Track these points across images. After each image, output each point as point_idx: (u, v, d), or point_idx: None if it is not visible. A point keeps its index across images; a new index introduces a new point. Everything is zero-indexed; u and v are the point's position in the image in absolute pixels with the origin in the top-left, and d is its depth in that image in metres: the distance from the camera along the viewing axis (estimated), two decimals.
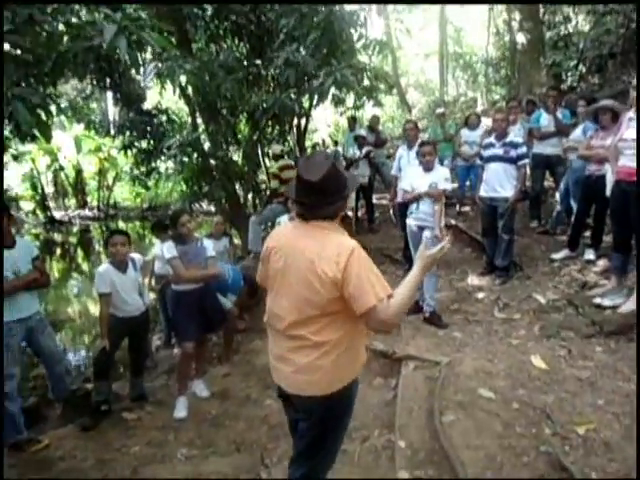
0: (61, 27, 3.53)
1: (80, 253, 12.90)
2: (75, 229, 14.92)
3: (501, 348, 3.59)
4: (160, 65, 4.66)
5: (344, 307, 1.72)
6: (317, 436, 1.88)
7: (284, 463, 2.64)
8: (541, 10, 11.40)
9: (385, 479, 2.49)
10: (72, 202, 16.44)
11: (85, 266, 11.57)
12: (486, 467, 2.35)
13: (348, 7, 5.82)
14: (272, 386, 3.71)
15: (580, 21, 11.54)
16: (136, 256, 3.90)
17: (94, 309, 7.64)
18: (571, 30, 11.38)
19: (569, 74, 10.00)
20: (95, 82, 7.61)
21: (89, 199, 16.62)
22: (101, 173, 15.91)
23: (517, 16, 11.00)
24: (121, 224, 15.44)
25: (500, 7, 14.84)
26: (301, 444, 1.96)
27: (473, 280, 5.12)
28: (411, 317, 4.36)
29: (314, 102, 6.75)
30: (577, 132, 5.20)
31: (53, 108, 3.74)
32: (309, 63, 5.39)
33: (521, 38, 10.91)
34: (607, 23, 8.95)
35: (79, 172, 16.03)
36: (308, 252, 1.73)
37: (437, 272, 4.28)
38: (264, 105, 5.94)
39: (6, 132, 4.52)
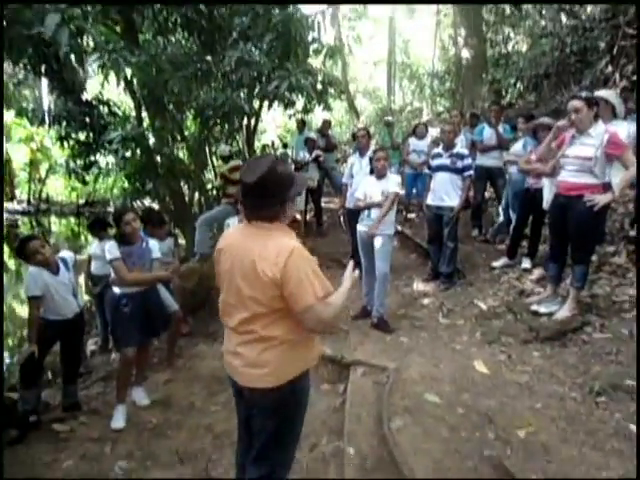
0: None
1: (6, 250, 11.98)
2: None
3: (446, 353, 3.69)
4: (104, 56, 4.40)
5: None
6: (272, 432, 1.89)
7: (230, 474, 2.55)
8: (484, 28, 11.98)
9: None
10: None
11: (12, 264, 10.76)
12: (434, 472, 2.39)
13: (305, 11, 5.79)
14: (217, 392, 3.65)
15: (519, 41, 12.23)
16: (67, 255, 3.66)
17: (20, 310, 7.11)
18: (510, 49, 12.03)
19: (509, 90, 10.54)
20: (30, 68, 7.09)
21: (18, 192, 15.50)
22: (33, 164, 14.91)
23: (462, 32, 11.50)
24: (54, 219, 14.54)
25: (446, 22, 15.44)
26: (258, 442, 1.94)
27: (418, 286, 5.25)
28: (359, 322, 4.40)
29: (265, 104, 6.68)
30: (517, 146, 5.48)
31: None
32: (265, 64, 5.33)
33: (466, 54, 11.43)
34: (543, 45, 9.52)
35: (7, 162, 14.92)
36: (250, 253, 1.77)
37: (389, 279, 4.34)
38: (214, 103, 5.78)
39: None
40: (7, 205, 14.85)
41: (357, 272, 2.01)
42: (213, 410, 3.42)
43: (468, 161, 4.94)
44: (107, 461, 2.93)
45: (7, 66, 10.00)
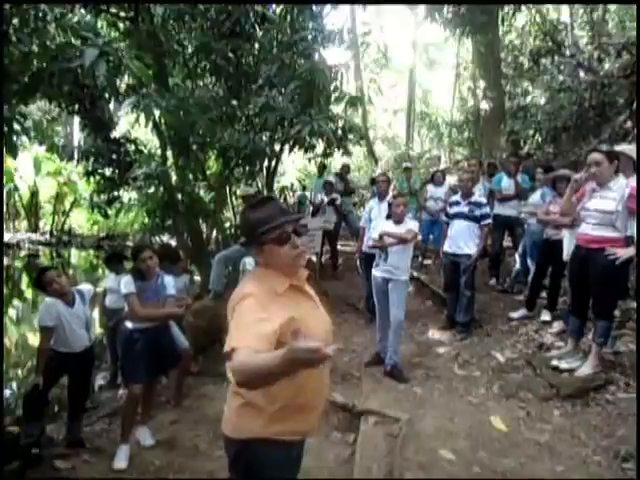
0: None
1: (25, 279, 12.17)
2: (23, 253, 14.14)
3: (461, 407, 3.55)
4: (137, 98, 4.60)
5: None
6: None
7: None
8: (503, 81, 12.27)
9: None
10: (23, 224, 15.68)
11: (29, 293, 10.90)
12: None
13: (329, 61, 6.02)
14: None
15: (537, 95, 12.45)
16: (85, 288, 3.69)
17: (33, 340, 7.13)
18: (529, 102, 12.24)
19: (527, 142, 10.64)
20: (64, 106, 7.44)
21: (42, 223, 15.90)
22: (58, 197, 15.34)
23: (481, 84, 11.78)
24: (74, 252, 14.79)
25: (466, 74, 15.87)
26: None
27: (434, 334, 5.13)
28: (372, 369, 4.29)
29: (287, 147, 6.84)
30: (536, 197, 5.48)
31: (17, 126, 3.60)
32: (288, 109, 5.50)
33: (484, 105, 11.66)
34: (562, 99, 9.68)
35: (35, 194, 15.41)
36: None
37: (403, 326, 4.26)
38: (237, 145, 5.95)
39: None
40: (30, 235, 15.21)
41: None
42: (217, 454, 3.30)
43: (486, 210, 4.93)
44: None
45: (43, 104, 10.55)
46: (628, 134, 7.59)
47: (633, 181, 3.61)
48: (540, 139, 10.45)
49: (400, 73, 21.30)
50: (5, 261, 13.40)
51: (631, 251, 3.34)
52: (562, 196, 4.54)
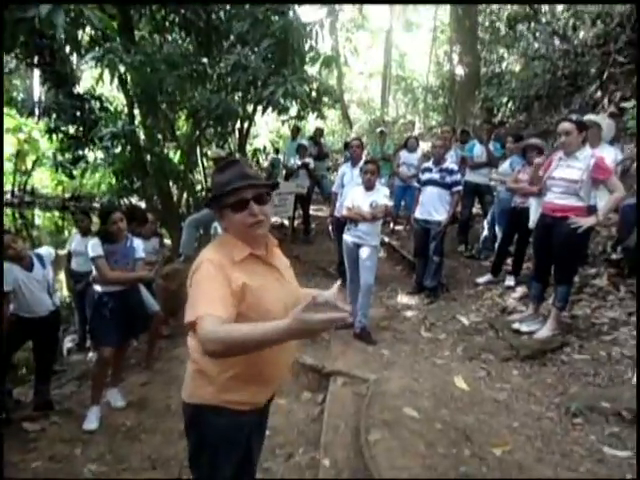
0: None
1: None
2: None
3: (426, 367, 3.69)
4: (101, 52, 4.36)
5: None
6: (188, 446, 1.77)
7: None
8: (479, 47, 12.17)
9: None
10: None
11: None
12: None
13: (304, 19, 5.82)
14: None
15: (512, 62, 12.43)
16: (44, 251, 3.59)
17: None
18: (504, 69, 12.23)
19: (500, 109, 10.70)
20: (22, 57, 7.01)
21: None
22: (19, 155, 14.67)
23: (458, 49, 11.66)
24: (38, 212, 14.30)
25: (443, 38, 15.65)
26: None
27: (402, 298, 5.26)
28: (342, 332, 4.38)
29: (259, 108, 6.67)
30: (505, 165, 5.56)
31: None
32: (261, 69, 5.32)
33: (460, 70, 11.57)
34: (535, 67, 9.70)
35: None
36: None
37: (373, 290, 4.34)
38: (208, 105, 5.76)
39: None
40: None
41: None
42: None
43: (457, 177, 4.98)
44: (77, 463, 2.86)
45: None
46: (597, 104, 7.71)
47: (599, 152, 3.70)
48: (513, 107, 10.52)
49: (376, 35, 20.84)
50: None
51: (592, 220, 3.46)
52: (531, 165, 4.64)
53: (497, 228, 5.68)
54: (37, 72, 8.63)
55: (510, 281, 5.06)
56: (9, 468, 2.79)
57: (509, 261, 5.28)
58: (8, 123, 13.91)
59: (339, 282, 1.69)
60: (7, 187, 15.03)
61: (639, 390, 2.86)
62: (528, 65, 10.32)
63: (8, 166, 15.14)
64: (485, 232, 6.12)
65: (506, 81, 10.83)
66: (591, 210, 3.59)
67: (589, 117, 4.31)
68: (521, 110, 10.24)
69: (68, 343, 5.47)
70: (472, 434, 2.78)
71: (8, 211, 13.81)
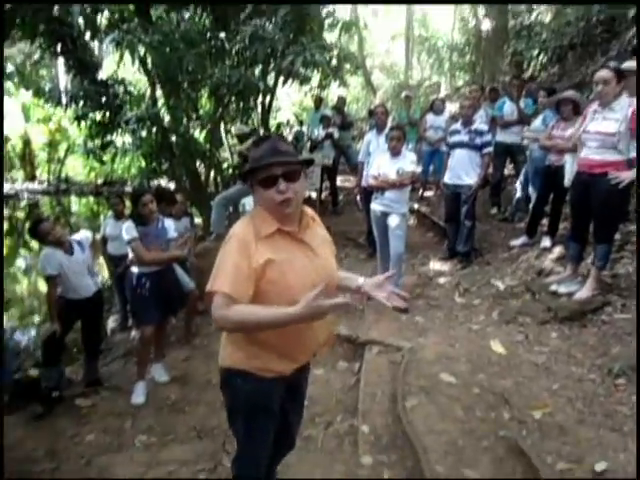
0: None
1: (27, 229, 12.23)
2: (23, 204, 14.12)
3: (462, 333, 3.67)
4: (120, 34, 4.37)
5: None
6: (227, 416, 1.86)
7: None
8: None
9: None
10: (19, 175, 15.52)
11: (34, 243, 11.00)
12: (447, 452, 2.40)
13: None
14: None
15: (543, 11, 11.74)
16: (82, 236, 3.73)
17: (44, 287, 7.29)
18: (533, 20, 11.58)
19: (531, 63, 10.18)
20: (45, 46, 7.10)
21: (38, 172, 15.73)
22: (51, 145, 15.07)
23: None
24: (74, 199, 14.76)
25: None
26: None
27: (435, 265, 5.20)
28: (374, 301, 4.38)
29: (280, 80, 6.57)
30: (537, 122, 5.32)
31: None
32: (279, 39, 5.22)
33: (486, 25, 11.05)
34: (568, 14, 9.14)
35: (27, 143, 15.11)
36: None
37: (404, 257, 4.30)
38: (228, 81, 5.72)
39: None
40: (28, 185, 15.12)
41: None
42: None
43: (487, 137, 4.81)
44: (127, 435, 3.02)
45: (24, 45, 10.06)
46: (637, 51, 7.23)
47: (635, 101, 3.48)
48: (545, 59, 9.99)
49: None
50: (6, 212, 13.42)
51: (633, 174, 3.29)
52: (566, 120, 4.43)
53: (531, 188, 5.48)
54: (61, 61, 8.73)
55: (546, 242, 4.91)
56: (65, 441, 2.97)
57: (544, 222, 5.12)
58: (39, 114, 14.29)
59: (389, 273, 1.83)
60: (43, 176, 15.54)
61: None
62: (560, 13, 9.73)
63: (42, 156, 15.61)
64: (518, 193, 5.93)
65: (536, 32, 10.24)
66: (631, 163, 3.40)
67: (628, 64, 4.04)
68: (553, 62, 9.71)
69: (111, 324, 5.72)
70: (511, 398, 2.77)
71: (46, 199, 14.33)
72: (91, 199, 14.45)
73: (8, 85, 12.39)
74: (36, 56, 10.18)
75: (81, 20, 2.88)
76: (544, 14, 11.57)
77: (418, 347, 3.43)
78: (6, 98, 13.40)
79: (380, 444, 2.56)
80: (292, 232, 1.65)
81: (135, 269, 3.49)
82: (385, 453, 2.50)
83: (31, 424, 3.19)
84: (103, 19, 5.96)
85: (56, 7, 2.80)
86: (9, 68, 9.99)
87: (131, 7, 6.10)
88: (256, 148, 1.65)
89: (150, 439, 2.98)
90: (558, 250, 4.67)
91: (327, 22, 6.06)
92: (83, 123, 7.44)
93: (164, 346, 4.00)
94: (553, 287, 3.93)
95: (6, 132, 14.52)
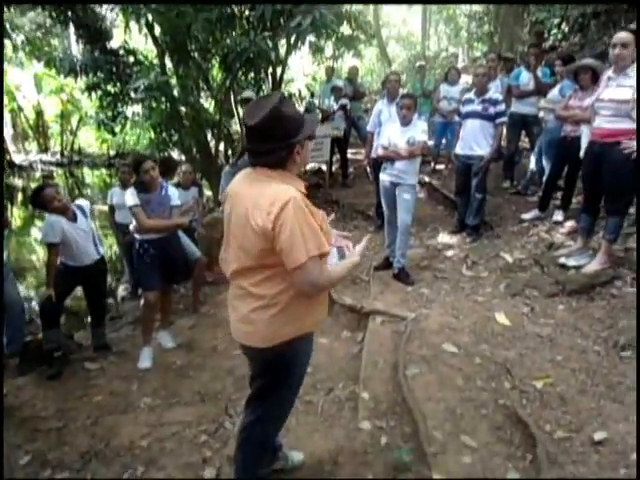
0: None
1: None
2: (37, 174, 14.26)
3: (467, 305, 3.64)
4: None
5: (282, 261, 1.60)
6: (263, 385, 1.86)
7: None
8: None
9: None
10: (33, 146, 15.62)
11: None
12: (446, 419, 2.41)
13: None
14: None
15: None
16: (83, 203, 3.73)
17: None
18: None
19: (552, 32, 9.81)
20: (54, 14, 7.03)
21: (51, 143, 15.82)
22: (64, 116, 15.08)
23: None
24: (86, 171, 14.86)
25: None
26: (253, 388, 1.94)
27: (444, 238, 5.14)
28: (381, 273, 4.38)
29: (291, 47, 6.42)
30: (554, 92, 5.13)
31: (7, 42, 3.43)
32: None
33: None
34: None
35: (40, 114, 15.15)
36: (247, 200, 1.63)
37: (411, 230, 4.25)
38: (238, 48, 5.60)
39: None
40: (42, 156, 15.23)
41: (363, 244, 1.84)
42: (234, 354, 3.51)
43: (501, 107, 4.67)
44: (133, 397, 3.09)
45: (35, 15, 9.98)
46: None
47: None
48: (567, 29, 9.61)
49: None
50: (20, 183, 13.60)
51: None
52: (584, 89, 4.26)
53: (544, 161, 5.34)
54: (72, 30, 8.65)
55: (558, 216, 4.81)
56: (74, 402, 3.05)
57: (557, 196, 5.00)
58: (51, 84, 14.26)
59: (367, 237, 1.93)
60: (56, 148, 15.61)
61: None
62: None
63: (55, 127, 15.65)
64: (532, 166, 5.79)
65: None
66: None
67: None
68: (575, 31, 9.35)
69: (122, 292, 5.81)
70: (513, 368, 2.76)
71: (60, 171, 14.44)
72: (104, 171, 14.52)
73: (20, 55, 12.35)
74: (47, 25, 10.11)
75: None
76: None
77: (422, 317, 3.43)
78: (18, 69, 13.40)
79: (379, 410, 2.58)
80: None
81: (137, 236, 3.50)
82: (384, 419, 2.52)
83: (42, 385, 3.28)
84: None
85: None
86: (20, 38, 9.92)
87: None
88: (287, 106, 1.63)
89: (155, 401, 3.04)
90: (570, 224, 4.58)
91: None
92: (94, 94, 7.41)
93: (170, 313, 4.04)
94: (562, 260, 3.87)
95: (20, 103, 14.59)
